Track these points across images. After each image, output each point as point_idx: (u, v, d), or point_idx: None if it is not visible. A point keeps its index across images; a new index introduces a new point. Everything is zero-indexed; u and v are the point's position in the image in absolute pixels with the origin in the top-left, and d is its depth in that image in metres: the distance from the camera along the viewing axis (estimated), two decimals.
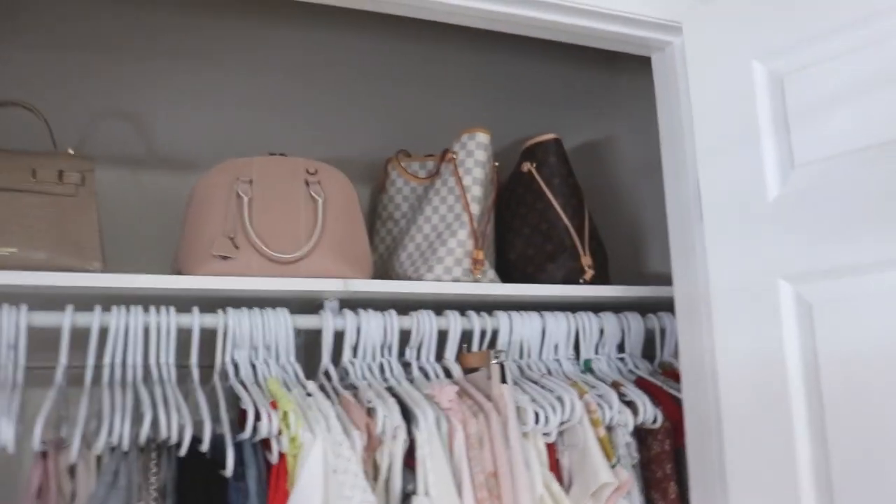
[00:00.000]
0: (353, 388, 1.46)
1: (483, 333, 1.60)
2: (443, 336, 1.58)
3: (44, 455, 1.28)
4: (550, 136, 1.83)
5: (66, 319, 1.30)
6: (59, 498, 1.26)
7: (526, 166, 1.84)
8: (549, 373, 1.64)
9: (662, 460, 1.56)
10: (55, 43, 1.78)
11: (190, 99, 1.88)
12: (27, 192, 1.36)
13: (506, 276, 1.81)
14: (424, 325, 1.54)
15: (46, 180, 1.37)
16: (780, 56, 1.26)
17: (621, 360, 1.74)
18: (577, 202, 1.80)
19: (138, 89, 1.84)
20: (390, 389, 1.45)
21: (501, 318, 1.61)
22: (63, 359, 1.31)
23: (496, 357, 1.49)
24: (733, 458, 1.28)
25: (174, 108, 1.86)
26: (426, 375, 1.54)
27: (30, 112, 1.46)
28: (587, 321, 1.69)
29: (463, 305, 1.66)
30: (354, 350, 1.51)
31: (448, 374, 1.57)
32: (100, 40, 1.82)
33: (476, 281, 1.65)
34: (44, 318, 1.31)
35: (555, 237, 1.75)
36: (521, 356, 1.65)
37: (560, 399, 1.49)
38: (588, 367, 1.70)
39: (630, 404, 1.57)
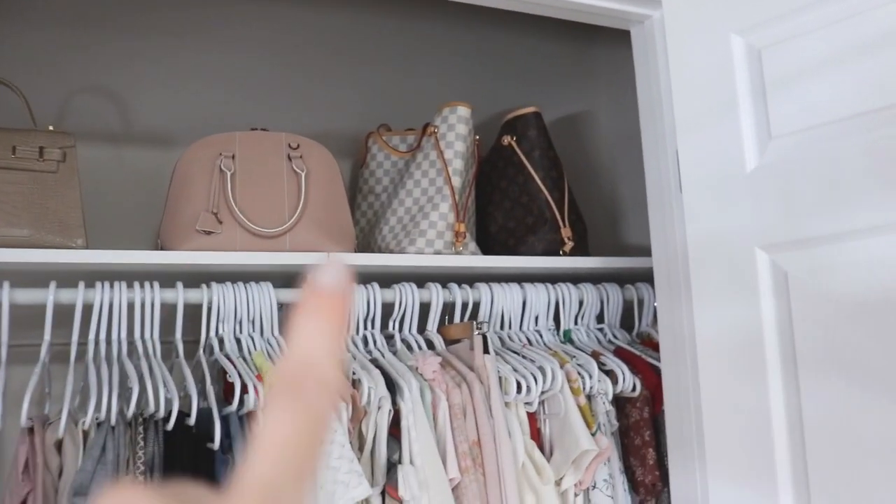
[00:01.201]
0: None
1: (465, 305, 1.62)
2: (425, 308, 1.60)
3: (30, 431, 1.29)
4: (530, 109, 1.84)
5: (49, 296, 1.30)
6: (46, 473, 1.26)
7: (506, 139, 1.85)
8: (530, 343, 1.67)
9: (641, 427, 1.59)
10: (33, 19, 1.76)
11: (170, 74, 1.87)
12: (7, 169, 1.35)
13: (487, 248, 1.83)
14: (407, 297, 1.56)
15: (27, 157, 1.37)
16: (759, 29, 1.27)
17: (600, 330, 1.77)
18: (557, 175, 1.81)
19: (118, 65, 1.82)
20: (374, 361, 1.46)
21: (483, 289, 1.63)
22: (47, 335, 1.32)
23: (478, 328, 1.51)
24: (710, 425, 1.31)
25: (154, 84, 1.85)
26: (409, 347, 1.56)
27: (8, 88, 1.45)
28: (567, 292, 1.71)
29: (445, 278, 1.68)
30: None
31: (431, 345, 1.59)
32: (78, 16, 1.80)
33: (458, 253, 1.66)
34: (27, 295, 1.31)
35: (535, 210, 1.77)
36: (502, 327, 1.67)
37: (541, 369, 1.52)
38: (568, 338, 1.72)
39: (609, 373, 1.60)
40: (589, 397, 1.58)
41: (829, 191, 1.16)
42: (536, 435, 1.53)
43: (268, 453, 0.27)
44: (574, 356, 1.62)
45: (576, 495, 1.49)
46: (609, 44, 2.25)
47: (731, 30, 1.31)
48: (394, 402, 1.37)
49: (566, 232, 1.76)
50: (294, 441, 0.27)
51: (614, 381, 1.59)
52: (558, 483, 1.49)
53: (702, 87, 1.35)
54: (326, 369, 0.28)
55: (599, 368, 1.59)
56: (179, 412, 1.29)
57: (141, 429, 1.29)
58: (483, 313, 1.63)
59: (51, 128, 1.43)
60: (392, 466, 1.33)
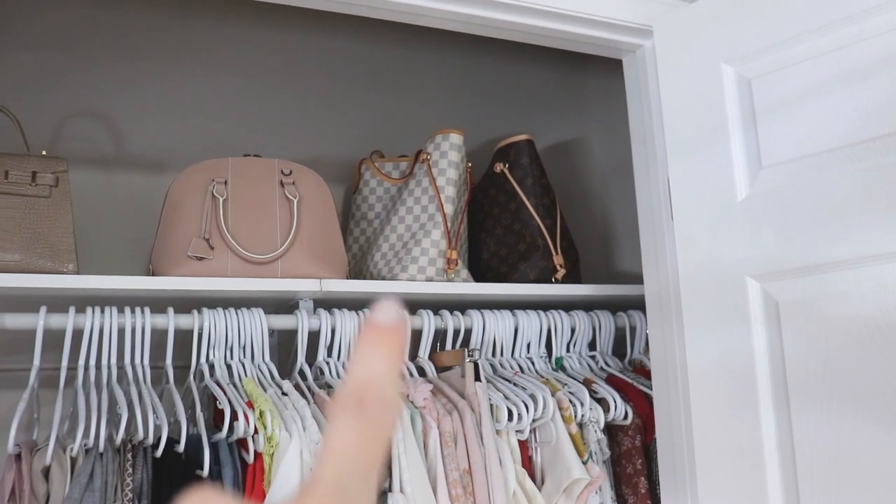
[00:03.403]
0: (328, 388, 1.47)
1: (456, 332, 1.62)
2: (416, 335, 1.59)
3: (17, 457, 1.28)
4: (523, 136, 1.85)
5: (39, 321, 1.30)
6: (32, 500, 1.25)
7: (499, 167, 1.85)
8: (522, 370, 1.66)
9: (633, 456, 1.58)
10: (27, 44, 1.77)
11: (163, 100, 1.88)
12: (0, 193, 1.35)
13: (479, 275, 1.83)
14: None
15: (19, 181, 1.37)
16: (749, 59, 1.29)
17: (592, 357, 1.77)
18: (550, 202, 1.82)
19: (111, 90, 1.83)
20: None
21: (475, 316, 1.63)
22: (37, 360, 1.31)
23: (470, 355, 1.50)
24: (702, 454, 1.31)
25: (147, 109, 1.86)
26: None
27: (1, 113, 1.45)
28: (559, 319, 1.71)
29: (437, 305, 1.67)
30: (329, 349, 1.52)
31: (422, 372, 1.58)
32: (72, 41, 1.81)
33: (450, 280, 1.67)
34: (17, 320, 1.30)
35: (527, 237, 1.77)
36: (493, 354, 1.67)
37: (533, 396, 1.51)
38: (560, 365, 1.72)
39: (601, 401, 1.60)
40: (580, 425, 1.57)
41: (820, 220, 1.17)
42: (527, 463, 1.52)
43: (335, 458, 0.30)
44: (566, 384, 1.62)
45: None
46: (601, 72, 2.27)
47: (721, 59, 1.32)
48: None
49: (558, 259, 1.76)
50: (359, 448, 0.30)
51: (606, 409, 1.58)
52: None
53: (693, 115, 1.36)
54: (387, 389, 0.31)
55: (591, 396, 1.59)
56: (169, 439, 1.28)
57: (130, 455, 1.28)
58: (475, 340, 1.63)
59: (44, 152, 1.43)
60: (382, 495, 1.32)
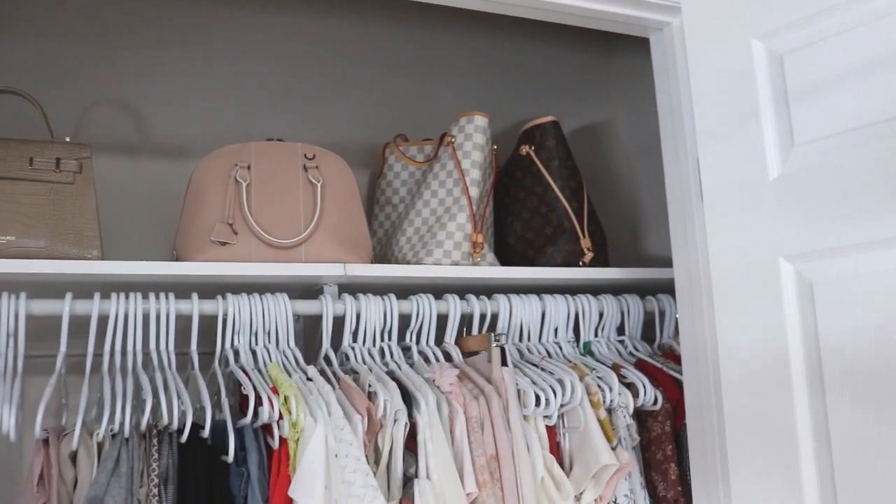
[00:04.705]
0: (353, 373, 1.46)
1: (483, 317, 1.60)
2: (442, 320, 1.58)
3: (45, 442, 1.28)
4: (549, 118, 1.83)
5: (65, 307, 1.30)
6: (60, 484, 1.26)
7: (524, 149, 1.83)
8: (549, 355, 1.64)
9: (663, 442, 1.56)
10: (50, 31, 1.77)
11: (186, 85, 1.87)
12: (24, 180, 1.35)
13: (505, 259, 1.81)
14: (424, 308, 1.54)
15: (44, 168, 1.37)
16: (780, 34, 1.25)
17: (621, 342, 1.75)
18: (576, 184, 1.79)
19: (134, 77, 1.83)
20: (391, 373, 1.45)
21: (501, 301, 1.61)
22: (63, 346, 1.31)
23: (496, 340, 1.48)
24: (734, 439, 1.28)
25: (171, 95, 1.85)
26: (426, 359, 1.54)
27: (26, 100, 1.45)
28: (587, 304, 1.69)
29: (462, 289, 1.66)
30: (354, 335, 1.51)
31: (448, 357, 1.57)
32: (95, 28, 1.81)
33: (475, 264, 1.65)
34: (43, 306, 1.30)
35: (554, 220, 1.75)
36: (520, 339, 1.65)
37: (560, 381, 1.49)
38: (588, 350, 1.70)
39: (630, 386, 1.58)
40: (609, 411, 1.55)
41: (856, 198, 1.13)
42: (555, 449, 1.50)
43: None
44: (594, 369, 1.59)
45: None
46: (628, 53, 2.24)
47: (751, 35, 1.29)
48: (410, 415, 1.35)
49: (586, 242, 1.73)
50: None
51: (635, 395, 1.56)
52: (578, 498, 1.46)
53: (722, 94, 1.33)
54: None
55: (620, 381, 1.56)
56: (194, 424, 1.28)
57: (155, 441, 1.28)
58: (501, 325, 1.62)
59: (67, 139, 1.43)
60: (408, 480, 1.31)
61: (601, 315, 1.71)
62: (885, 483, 1.08)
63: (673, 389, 1.59)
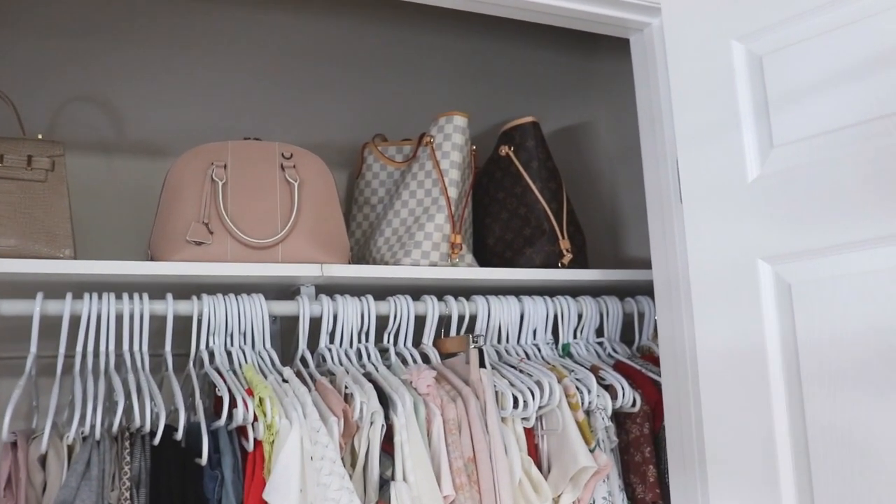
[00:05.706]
0: (329, 375, 1.45)
1: (461, 318, 1.59)
2: (420, 321, 1.57)
3: (13, 445, 1.26)
4: (528, 119, 1.82)
5: (36, 307, 1.28)
6: (29, 488, 1.23)
7: (504, 150, 1.82)
8: (528, 357, 1.64)
9: (641, 444, 1.56)
10: (25, 29, 1.74)
11: (162, 84, 1.85)
12: None
13: (484, 260, 1.80)
14: (402, 310, 1.53)
15: (15, 166, 1.34)
16: (760, 36, 1.25)
17: (600, 344, 1.74)
18: (556, 186, 1.79)
19: (109, 74, 1.80)
20: (367, 375, 1.43)
21: (479, 302, 1.60)
22: (33, 347, 1.29)
23: (474, 342, 1.47)
24: (712, 441, 1.28)
25: (146, 94, 1.83)
26: (404, 361, 1.53)
27: None
28: (566, 305, 1.68)
29: (441, 290, 1.65)
30: (331, 336, 1.49)
31: (426, 359, 1.56)
32: (70, 26, 1.78)
33: (454, 265, 1.64)
34: (13, 307, 1.28)
35: (533, 221, 1.74)
36: (499, 341, 1.64)
37: (539, 383, 1.49)
38: (567, 352, 1.69)
39: (609, 388, 1.57)
40: (588, 413, 1.55)
41: (834, 200, 1.13)
42: (534, 451, 1.50)
43: None
44: (572, 370, 1.59)
45: None
46: (610, 54, 2.24)
47: (731, 36, 1.29)
48: (387, 417, 1.34)
49: (565, 244, 1.73)
50: None
51: (613, 396, 1.56)
52: (556, 501, 1.45)
53: (702, 94, 1.33)
54: None
55: (598, 383, 1.56)
56: (167, 427, 1.26)
57: (127, 443, 1.26)
58: (480, 326, 1.61)
59: (40, 136, 1.40)
60: (385, 483, 1.30)
61: (580, 317, 1.71)
62: (861, 481, 1.08)
63: (652, 391, 1.58)
